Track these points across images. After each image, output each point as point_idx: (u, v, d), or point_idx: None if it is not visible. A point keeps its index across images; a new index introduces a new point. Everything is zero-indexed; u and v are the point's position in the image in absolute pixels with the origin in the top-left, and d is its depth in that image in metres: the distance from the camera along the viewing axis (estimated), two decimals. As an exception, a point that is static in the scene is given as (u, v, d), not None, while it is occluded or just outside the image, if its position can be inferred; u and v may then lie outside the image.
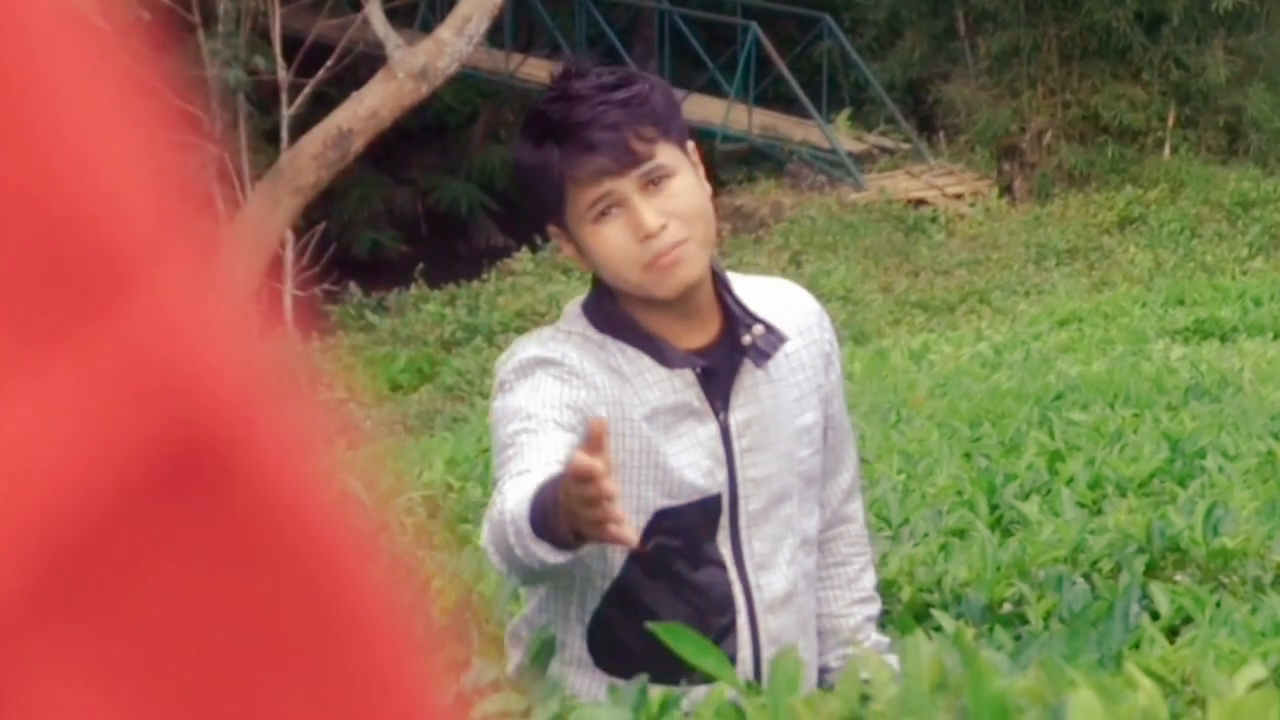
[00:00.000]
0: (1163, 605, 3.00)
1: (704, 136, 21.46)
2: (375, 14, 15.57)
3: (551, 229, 2.50)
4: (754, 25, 20.34)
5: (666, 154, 2.40)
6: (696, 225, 2.40)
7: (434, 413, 13.52)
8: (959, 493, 4.79)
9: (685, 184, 2.41)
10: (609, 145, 2.35)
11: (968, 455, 5.61)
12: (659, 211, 2.36)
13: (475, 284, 17.59)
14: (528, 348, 2.46)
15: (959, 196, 19.46)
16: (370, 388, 14.98)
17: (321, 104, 16.44)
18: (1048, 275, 16.53)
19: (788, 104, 20.89)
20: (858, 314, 15.32)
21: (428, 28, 17.96)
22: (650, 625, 1.80)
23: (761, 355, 2.49)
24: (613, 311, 2.47)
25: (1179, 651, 2.32)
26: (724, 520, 2.52)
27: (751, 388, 2.52)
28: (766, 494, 2.53)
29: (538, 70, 22.50)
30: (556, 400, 2.35)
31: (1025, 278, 16.44)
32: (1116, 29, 19.26)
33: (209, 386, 0.49)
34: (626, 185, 2.36)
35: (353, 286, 17.94)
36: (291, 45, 16.81)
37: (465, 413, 12.61)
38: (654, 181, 2.37)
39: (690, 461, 2.48)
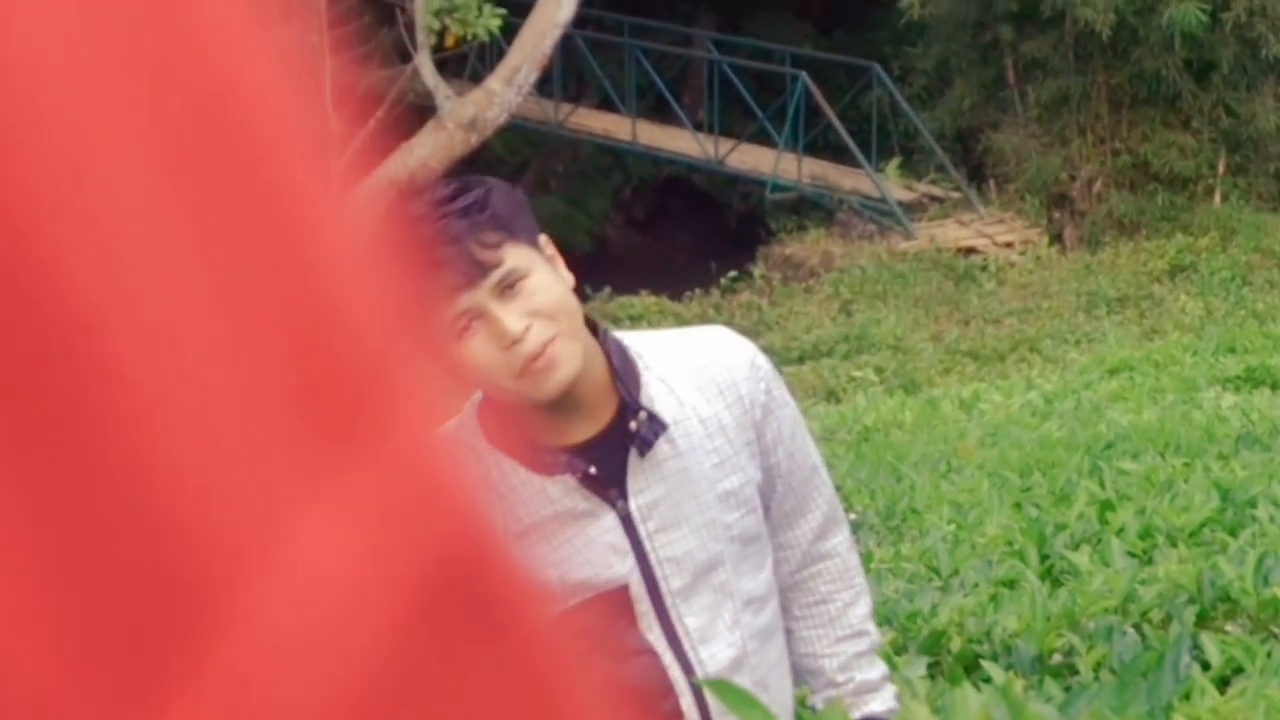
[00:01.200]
0: (1213, 656, 2.99)
1: (754, 185, 21.57)
2: (425, 65, 15.67)
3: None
4: (803, 75, 20.38)
5: (516, 255, 2.33)
6: (561, 319, 2.34)
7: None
8: (1009, 543, 4.77)
9: (541, 281, 2.34)
10: (454, 259, 2.29)
11: (1018, 505, 5.60)
12: (520, 314, 2.31)
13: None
14: None
15: (1009, 245, 19.43)
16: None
17: (372, 155, 16.53)
18: (1098, 324, 16.48)
19: (837, 153, 20.91)
20: (908, 363, 15.30)
21: (477, 78, 18.05)
22: (697, 679, 1.80)
23: (645, 443, 2.44)
24: (495, 416, 2.44)
25: (1230, 702, 2.31)
26: (645, 606, 2.46)
27: (654, 467, 2.45)
28: (690, 568, 2.47)
29: (587, 120, 22.62)
30: None
31: (1076, 326, 16.41)
32: (1166, 77, 19.24)
33: (457, 504, 0.51)
34: (481, 296, 2.31)
35: (403, 336, 17.99)
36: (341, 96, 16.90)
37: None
38: (510, 286, 2.32)
39: (582, 561, 2.43)
